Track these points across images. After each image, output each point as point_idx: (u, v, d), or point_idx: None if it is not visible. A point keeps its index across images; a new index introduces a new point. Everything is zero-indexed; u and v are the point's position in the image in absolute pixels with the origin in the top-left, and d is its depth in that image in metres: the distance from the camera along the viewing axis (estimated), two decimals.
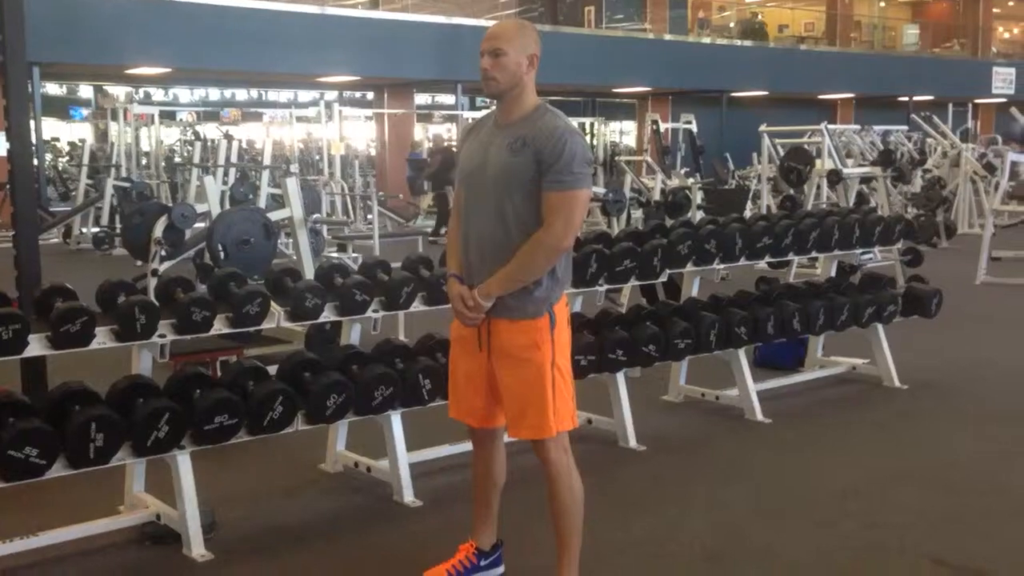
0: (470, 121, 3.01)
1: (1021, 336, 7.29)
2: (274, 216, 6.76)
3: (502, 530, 3.26)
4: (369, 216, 12.83)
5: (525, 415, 2.91)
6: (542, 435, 2.90)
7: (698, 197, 10.97)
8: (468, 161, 3.00)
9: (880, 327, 5.73)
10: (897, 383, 5.73)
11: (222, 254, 5.92)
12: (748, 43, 24.29)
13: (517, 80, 2.89)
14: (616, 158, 16.93)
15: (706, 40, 23.80)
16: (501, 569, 3.25)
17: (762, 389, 5.31)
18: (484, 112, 3.04)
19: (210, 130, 21.66)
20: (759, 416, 5.07)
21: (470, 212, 2.96)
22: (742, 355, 5.12)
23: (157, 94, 23.48)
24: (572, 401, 2.97)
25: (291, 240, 7.75)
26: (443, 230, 12.72)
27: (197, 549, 3.45)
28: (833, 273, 5.95)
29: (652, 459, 4.50)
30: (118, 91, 21.02)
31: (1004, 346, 6.94)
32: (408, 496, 3.95)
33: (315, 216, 10.19)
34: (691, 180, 13.08)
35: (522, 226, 2.86)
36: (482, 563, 3.21)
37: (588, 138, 24.56)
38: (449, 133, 20.64)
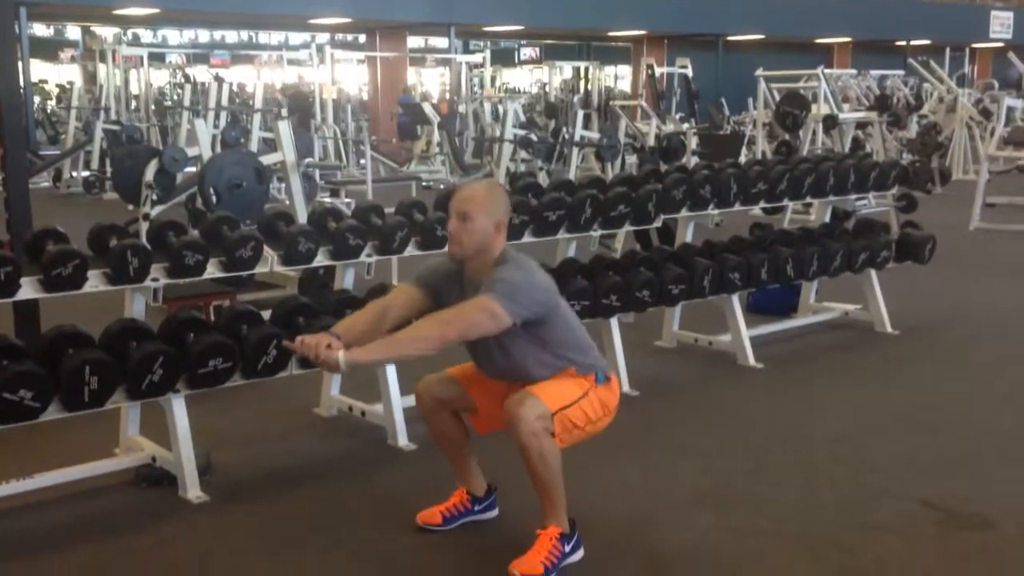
0: (442, 263, 3.05)
1: (1014, 282, 7.31)
2: (266, 160, 6.70)
3: (495, 473, 3.28)
4: (362, 161, 12.75)
5: (535, 390, 2.88)
6: (543, 400, 2.84)
7: (693, 142, 10.91)
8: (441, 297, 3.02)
9: (873, 273, 5.73)
10: (889, 328, 5.75)
11: (214, 198, 5.88)
12: None
13: (483, 245, 2.90)
14: (611, 103, 16.81)
15: None
16: (495, 512, 3.28)
17: (755, 335, 5.32)
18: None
19: (200, 73, 21.42)
20: (751, 361, 5.10)
21: (477, 356, 3.04)
22: (735, 301, 5.13)
23: (146, 36, 23.19)
24: (571, 434, 2.92)
25: (283, 184, 7.71)
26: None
27: (193, 491, 3.48)
28: (827, 219, 5.94)
29: (644, 404, 4.53)
30: (106, 32, 20.74)
31: (997, 292, 6.96)
32: (402, 440, 3.97)
33: (308, 160, 10.11)
34: (686, 125, 13.00)
35: (530, 363, 2.92)
36: (476, 508, 3.25)
37: (583, 83, 24.37)
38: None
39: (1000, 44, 25.60)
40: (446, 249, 3.07)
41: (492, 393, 3.06)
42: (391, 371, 3.98)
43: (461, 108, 16.50)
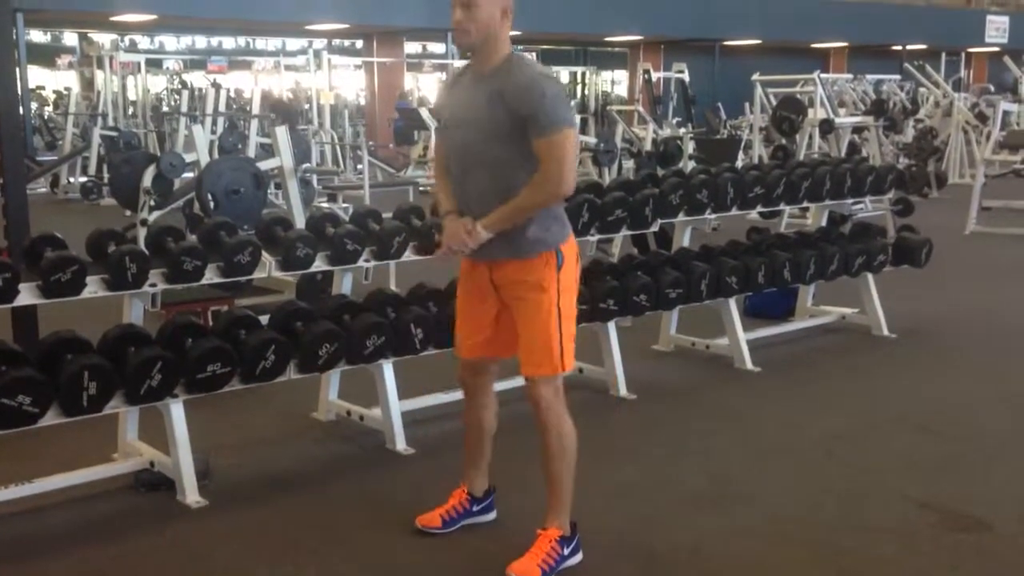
0: (453, 69, 2.99)
1: (1009, 285, 7.33)
2: (264, 166, 6.71)
3: (495, 475, 3.29)
4: (359, 166, 12.76)
5: (531, 351, 2.94)
6: (544, 372, 2.92)
7: (690, 147, 10.94)
8: (451, 114, 3.01)
9: (870, 277, 5.75)
10: (886, 332, 5.77)
11: (212, 204, 5.89)
12: None
13: (491, 32, 2.84)
14: (608, 108, 16.84)
15: None
16: (493, 514, 3.29)
17: (752, 338, 5.34)
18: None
19: (197, 78, 21.44)
20: (748, 365, 5.11)
21: (459, 165, 2.97)
22: (732, 304, 5.14)
23: (143, 42, 23.20)
24: (572, 343, 2.99)
25: (281, 190, 7.71)
26: None
27: (191, 496, 3.48)
28: (824, 223, 5.96)
29: (642, 407, 4.54)
30: (103, 38, 20.76)
31: (992, 295, 6.98)
32: (400, 444, 3.98)
33: (305, 166, 10.12)
34: (683, 130, 13.03)
35: (509, 174, 2.85)
36: (474, 508, 3.25)
37: (579, 88, 24.41)
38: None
39: (996, 48, 25.65)
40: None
41: (488, 322, 3.04)
42: (389, 375, 3.99)
43: None
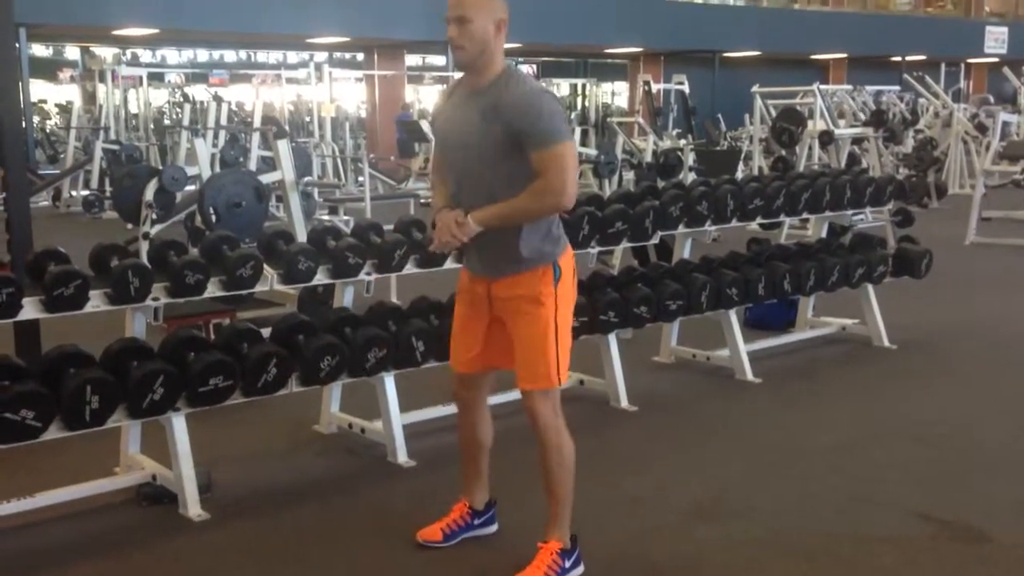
0: (451, 80, 3.00)
1: (1010, 296, 7.34)
2: (265, 179, 6.74)
3: (495, 489, 3.30)
4: (360, 178, 12.79)
5: (527, 364, 2.94)
6: (541, 385, 2.92)
7: (690, 158, 10.97)
8: (446, 128, 3.02)
9: (870, 288, 5.76)
10: (887, 343, 5.78)
11: (214, 217, 5.91)
12: (741, 2, 24.14)
13: (485, 47, 2.83)
14: (608, 119, 16.88)
15: (698, 0, 23.63)
16: (495, 528, 3.30)
17: (752, 349, 5.35)
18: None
19: (199, 92, 21.49)
20: (749, 376, 5.12)
21: (456, 181, 2.97)
22: (733, 316, 5.15)
23: (144, 56, 23.28)
24: (568, 356, 2.99)
25: (282, 203, 7.74)
26: None
27: (193, 509, 3.49)
28: (824, 234, 5.97)
29: (643, 419, 4.55)
30: (105, 52, 20.83)
31: (993, 306, 6.99)
32: (402, 456, 3.99)
33: (306, 179, 10.15)
34: (683, 141, 13.07)
35: (506, 191, 2.85)
36: (475, 522, 3.26)
37: (580, 99, 24.45)
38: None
39: (995, 59, 25.71)
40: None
41: (484, 337, 3.05)
42: (391, 388, 4.00)
43: None
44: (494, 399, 3.31)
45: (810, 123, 10.80)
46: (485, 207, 2.86)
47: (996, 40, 26.78)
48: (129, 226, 8.62)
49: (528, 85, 2.88)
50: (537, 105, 2.80)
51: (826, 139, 10.67)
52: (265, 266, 3.77)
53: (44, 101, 23.31)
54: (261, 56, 25.37)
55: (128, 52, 21.79)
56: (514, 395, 3.40)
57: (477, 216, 2.86)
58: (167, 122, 18.62)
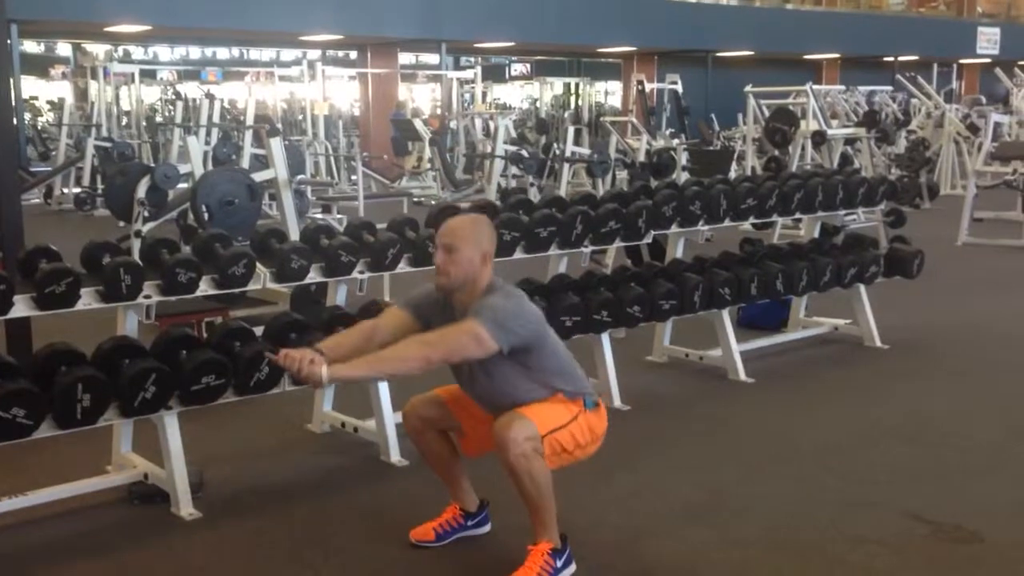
0: (431, 290, 3.06)
1: (1001, 296, 7.37)
2: (258, 177, 6.72)
3: (488, 490, 3.30)
4: (353, 177, 12.77)
5: (524, 410, 2.88)
6: (528, 417, 2.85)
7: (683, 158, 10.95)
8: (433, 320, 3.04)
9: (862, 288, 5.77)
10: (878, 343, 5.79)
11: (206, 215, 5.89)
12: (734, 2, 24.16)
13: (470, 276, 2.91)
14: (601, 119, 16.88)
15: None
16: (487, 528, 3.29)
17: (745, 349, 5.35)
18: None
19: (191, 89, 21.44)
20: (742, 376, 5.12)
21: (461, 379, 3.04)
22: (726, 316, 5.15)
23: (137, 52, 23.21)
24: (557, 457, 2.93)
25: (275, 201, 7.72)
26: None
27: (185, 508, 3.48)
28: (816, 234, 5.98)
29: (636, 418, 4.55)
30: (97, 49, 20.76)
31: (984, 306, 7.01)
32: (395, 456, 3.98)
33: (299, 177, 10.13)
34: (676, 141, 13.06)
35: (511, 391, 2.91)
36: (468, 523, 3.26)
37: (573, 99, 24.45)
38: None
39: (987, 60, 25.79)
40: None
41: (478, 416, 3.08)
42: (383, 387, 3.99)
43: (452, 124, 16.56)
44: None
45: (803, 123, 10.81)
46: (350, 362, 2.82)
47: (988, 41, 26.84)
48: (121, 224, 8.57)
49: (513, 293, 2.94)
50: (497, 299, 2.86)
51: (819, 139, 10.68)
52: (258, 264, 3.76)
53: (35, 98, 23.23)
54: (254, 54, 25.32)
55: (120, 49, 21.72)
56: None
57: (333, 372, 2.78)
58: (159, 119, 18.57)
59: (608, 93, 27.99)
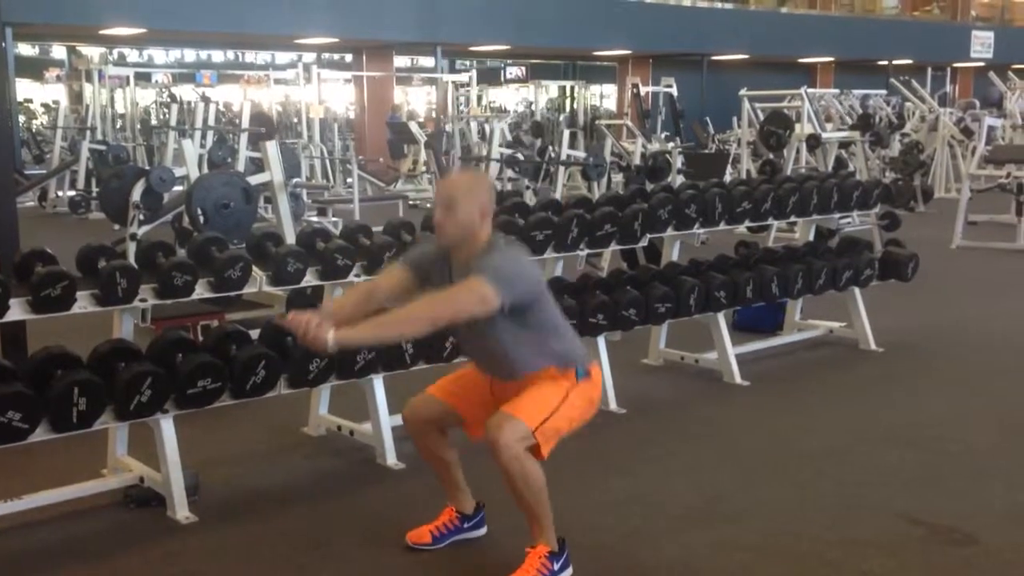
0: (429, 247, 3.07)
1: (995, 299, 7.38)
2: (254, 180, 6.71)
3: (483, 493, 3.30)
4: (349, 180, 12.77)
5: (517, 403, 2.88)
6: (520, 417, 2.84)
7: (678, 161, 10.99)
8: (432, 278, 3.04)
9: (857, 291, 5.78)
10: (873, 346, 5.80)
11: (201, 218, 5.88)
12: (729, 5, 24.22)
13: (470, 232, 2.90)
14: (596, 122, 16.90)
15: (687, 2, 23.68)
16: (484, 530, 3.29)
17: (741, 352, 5.36)
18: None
19: (186, 92, 21.42)
20: (737, 379, 5.13)
21: (462, 338, 3.06)
22: (721, 319, 5.16)
23: (132, 55, 23.19)
24: (556, 437, 2.93)
25: (271, 204, 7.71)
26: None
27: (181, 511, 3.48)
28: (812, 237, 5.99)
29: (631, 421, 4.55)
30: (92, 52, 20.73)
31: (979, 309, 7.03)
32: (391, 459, 3.98)
33: (295, 180, 10.12)
34: (671, 144, 13.08)
35: (513, 346, 2.91)
36: (465, 526, 3.26)
37: (568, 102, 24.46)
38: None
39: (981, 64, 25.85)
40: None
41: (477, 402, 3.07)
42: (379, 390, 3.99)
43: (447, 127, 16.57)
44: None
45: (797, 126, 10.83)
46: (356, 327, 2.82)
47: (982, 44, 26.92)
48: (116, 227, 8.58)
49: (513, 250, 2.95)
50: (498, 257, 2.85)
51: (813, 143, 10.70)
52: (254, 268, 3.76)
53: (30, 101, 23.19)
54: (249, 56, 25.32)
55: (115, 52, 21.70)
56: None
57: (340, 336, 2.75)
58: (154, 122, 18.54)
59: (603, 96, 28.02)
